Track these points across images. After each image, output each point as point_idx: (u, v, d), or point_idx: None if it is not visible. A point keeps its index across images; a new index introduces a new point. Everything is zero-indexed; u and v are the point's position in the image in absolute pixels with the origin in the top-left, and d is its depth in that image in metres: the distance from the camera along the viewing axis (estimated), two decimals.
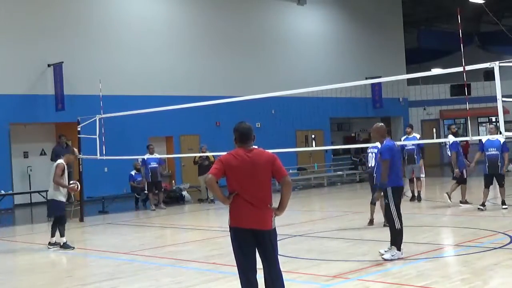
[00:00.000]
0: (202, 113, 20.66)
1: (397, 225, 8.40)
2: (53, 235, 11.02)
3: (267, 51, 26.54)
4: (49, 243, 11.04)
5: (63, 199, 11.09)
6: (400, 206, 8.56)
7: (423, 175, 15.95)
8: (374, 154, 11.27)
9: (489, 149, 13.20)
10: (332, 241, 10.49)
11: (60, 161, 11.21)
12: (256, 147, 5.81)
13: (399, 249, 8.36)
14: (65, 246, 10.87)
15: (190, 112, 19.30)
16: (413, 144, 15.22)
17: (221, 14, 25.15)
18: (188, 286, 7.54)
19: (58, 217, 11.13)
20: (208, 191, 18.35)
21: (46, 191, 16.51)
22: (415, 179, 15.63)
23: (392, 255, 8.32)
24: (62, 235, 10.94)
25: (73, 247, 10.87)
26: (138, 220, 15.46)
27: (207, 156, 18.21)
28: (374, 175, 10.94)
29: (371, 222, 11.78)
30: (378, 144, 10.94)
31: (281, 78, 25.60)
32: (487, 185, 13.35)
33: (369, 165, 11.75)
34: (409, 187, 15.34)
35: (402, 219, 8.51)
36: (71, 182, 11.47)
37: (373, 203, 11.56)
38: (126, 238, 12.39)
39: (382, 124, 9.15)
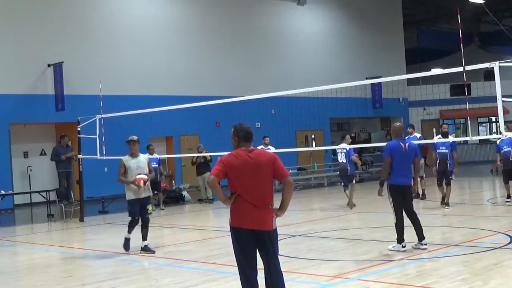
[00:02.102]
0: (202, 113, 20.68)
1: (394, 220, 8.98)
2: (143, 239, 10.04)
3: (267, 51, 26.55)
4: (141, 248, 10.04)
5: (133, 196, 10.04)
6: (401, 203, 8.96)
7: (423, 174, 15.98)
8: (344, 154, 14.77)
9: (502, 148, 14.46)
10: (332, 241, 10.49)
11: (123, 157, 10.38)
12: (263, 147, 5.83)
13: (399, 242, 8.89)
14: (145, 249, 9.99)
15: (190, 112, 19.30)
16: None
17: (221, 14, 25.16)
18: (188, 286, 7.54)
19: (131, 218, 10.15)
20: (207, 190, 18.39)
21: (46, 191, 16.68)
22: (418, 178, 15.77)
23: (393, 247, 8.94)
24: (128, 232, 10.17)
25: (154, 251, 9.98)
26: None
27: (204, 156, 18.27)
28: (348, 168, 14.71)
29: (350, 205, 14.65)
30: (344, 145, 14.84)
31: (281, 78, 25.62)
32: (506, 180, 14.48)
33: (340, 161, 14.99)
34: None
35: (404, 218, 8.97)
36: (140, 174, 10.00)
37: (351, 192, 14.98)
38: None
39: (399, 124, 9.50)
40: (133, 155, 10.20)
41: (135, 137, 10.34)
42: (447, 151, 13.66)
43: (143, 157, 10.40)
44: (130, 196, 10.08)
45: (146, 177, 10.02)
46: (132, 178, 9.97)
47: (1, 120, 19.23)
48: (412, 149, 9.11)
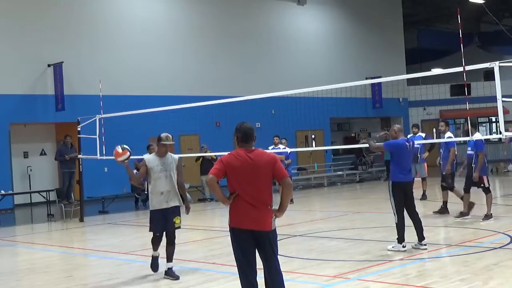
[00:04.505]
0: (202, 113, 20.68)
1: (395, 220, 9.00)
2: (168, 260, 8.11)
3: (267, 51, 26.54)
4: (165, 272, 8.13)
5: (156, 205, 8.03)
6: (403, 201, 9.01)
7: (425, 175, 16.01)
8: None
9: None
10: (332, 241, 10.49)
11: (146, 156, 8.69)
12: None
13: (399, 242, 8.90)
14: (168, 273, 8.06)
15: (190, 112, 19.31)
16: (418, 143, 15.24)
17: (221, 15, 25.16)
18: (188, 286, 7.54)
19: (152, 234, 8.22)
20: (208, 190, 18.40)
21: (46, 191, 16.68)
22: (420, 178, 15.84)
23: (392, 247, 8.95)
24: (154, 249, 8.28)
25: (177, 277, 7.96)
26: (138, 220, 15.46)
27: (210, 157, 18.31)
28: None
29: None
30: (285, 148, 16.12)
31: (281, 78, 25.63)
32: None
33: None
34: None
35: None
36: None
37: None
38: (126, 238, 12.40)
39: (397, 126, 9.59)
40: (160, 154, 8.25)
41: (169, 137, 8.32)
42: (472, 152, 11.72)
43: (172, 158, 8.28)
44: (152, 205, 8.10)
45: (125, 155, 8.17)
46: (155, 183, 8.04)
47: (1, 120, 19.23)
48: (414, 149, 9.34)
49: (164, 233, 8.10)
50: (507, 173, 24.09)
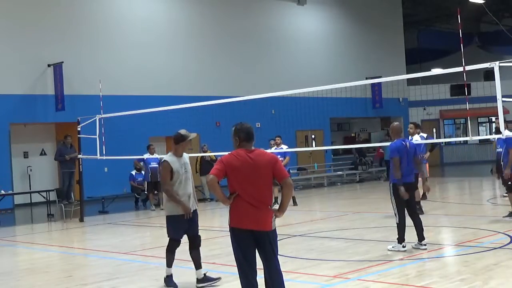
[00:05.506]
0: (202, 113, 20.69)
1: (396, 220, 9.00)
2: (197, 266, 7.53)
3: (267, 51, 26.55)
4: (198, 280, 7.44)
5: (179, 211, 7.32)
6: (404, 202, 8.96)
7: (426, 175, 15.96)
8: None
9: None
10: (332, 241, 10.49)
11: (166, 157, 7.59)
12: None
13: (399, 242, 8.91)
14: (205, 280, 7.44)
15: (190, 112, 19.31)
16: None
17: (221, 15, 25.17)
18: (188, 286, 7.53)
19: (169, 240, 7.52)
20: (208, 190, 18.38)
21: (46, 191, 16.68)
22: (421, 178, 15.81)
23: (392, 247, 8.97)
24: (168, 264, 7.51)
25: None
26: (138, 220, 15.46)
27: (210, 157, 18.30)
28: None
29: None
30: (288, 149, 15.88)
31: (281, 78, 25.63)
32: None
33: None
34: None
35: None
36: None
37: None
38: (126, 238, 12.40)
39: (397, 123, 9.53)
40: (178, 154, 7.54)
41: (190, 135, 7.66)
42: (501, 149, 11.36)
43: (187, 157, 7.73)
44: (173, 210, 7.37)
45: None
46: (181, 185, 7.40)
47: (1, 120, 19.23)
48: (412, 148, 9.21)
49: (189, 237, 7.51)
50: None
